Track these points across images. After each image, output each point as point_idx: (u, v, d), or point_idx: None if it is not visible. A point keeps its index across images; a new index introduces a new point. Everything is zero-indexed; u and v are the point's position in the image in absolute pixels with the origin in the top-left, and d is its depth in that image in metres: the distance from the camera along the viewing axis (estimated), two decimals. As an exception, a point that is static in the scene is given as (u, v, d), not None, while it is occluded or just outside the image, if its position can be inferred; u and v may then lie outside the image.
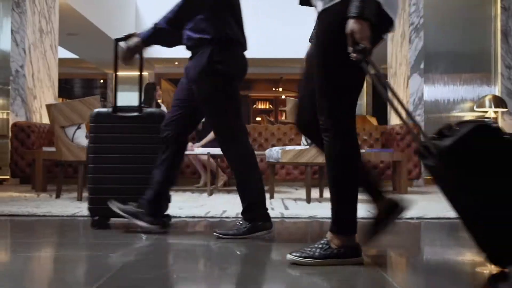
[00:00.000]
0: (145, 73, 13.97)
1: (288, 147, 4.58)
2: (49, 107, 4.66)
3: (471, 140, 1.63)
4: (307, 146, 4.50)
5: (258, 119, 16.46)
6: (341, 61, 1.92)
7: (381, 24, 1.94)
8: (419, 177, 6.27)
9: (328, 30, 1.96)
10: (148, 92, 6.18)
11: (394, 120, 7.39)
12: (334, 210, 2.04)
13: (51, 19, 7.49)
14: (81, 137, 4.66)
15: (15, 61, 6.72)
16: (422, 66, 6.82)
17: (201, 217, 3.53)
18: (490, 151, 1.63)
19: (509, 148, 1.62)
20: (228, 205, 4.04)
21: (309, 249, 2.03)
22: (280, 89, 17.05)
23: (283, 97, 17.27)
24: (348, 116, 2.03)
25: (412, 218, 3.45)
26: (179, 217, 3.43)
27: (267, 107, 17.62)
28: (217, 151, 5.61)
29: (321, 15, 2.00)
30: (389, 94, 1.89)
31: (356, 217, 2.05)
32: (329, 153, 2.02)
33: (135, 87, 13.89)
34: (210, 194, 5.20)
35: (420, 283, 1.92)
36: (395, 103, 1.86)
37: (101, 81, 15.42)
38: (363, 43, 1.81)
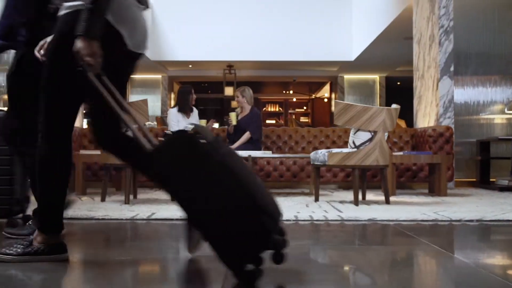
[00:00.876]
0: (158, 76, 14.00)
1: (334, 150, 4.57)
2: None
3: (166, 147, 1.83)
4: (355, 149, 4.49)
5: (268, 121, 16.45)
6: (63, 68, 2.05)
7: (113, 41, 2.05)
8: (452, 179, 6.28)
9: (57, 37, 2.07)
10: (184, 95, 6.15)
11: (421, 122, 7.39)
12: (38, 209, 2.17)
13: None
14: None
15: (45, 64, 6.70)
16: (452, 68, 6.83)
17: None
18: (184, 156, 1.78)
19: (202, 153, 1.77)
20: (297, 209, 4.02)
21: (13, 246, 2.12)
22: (291, 91, 17.03)
23: (294, 99, 17.29)
24: (62, 122, 2.12)
25: (472, 221, 3.46)
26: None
27: (277, 109, 17.60)
28: (258, 154, 5.61)
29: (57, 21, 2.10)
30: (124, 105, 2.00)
31: (59, 216, 2.15)
32: (38, 156, 2.12)
33: (149, 89, 13.89)
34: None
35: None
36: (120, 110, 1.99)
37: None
38: (88, 59, 1.93)
